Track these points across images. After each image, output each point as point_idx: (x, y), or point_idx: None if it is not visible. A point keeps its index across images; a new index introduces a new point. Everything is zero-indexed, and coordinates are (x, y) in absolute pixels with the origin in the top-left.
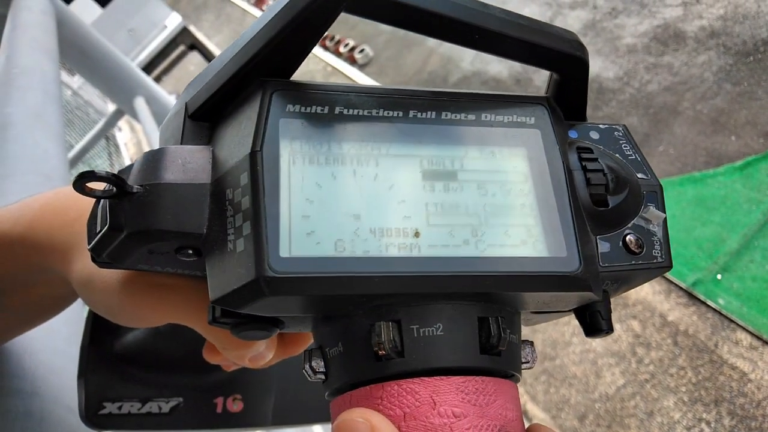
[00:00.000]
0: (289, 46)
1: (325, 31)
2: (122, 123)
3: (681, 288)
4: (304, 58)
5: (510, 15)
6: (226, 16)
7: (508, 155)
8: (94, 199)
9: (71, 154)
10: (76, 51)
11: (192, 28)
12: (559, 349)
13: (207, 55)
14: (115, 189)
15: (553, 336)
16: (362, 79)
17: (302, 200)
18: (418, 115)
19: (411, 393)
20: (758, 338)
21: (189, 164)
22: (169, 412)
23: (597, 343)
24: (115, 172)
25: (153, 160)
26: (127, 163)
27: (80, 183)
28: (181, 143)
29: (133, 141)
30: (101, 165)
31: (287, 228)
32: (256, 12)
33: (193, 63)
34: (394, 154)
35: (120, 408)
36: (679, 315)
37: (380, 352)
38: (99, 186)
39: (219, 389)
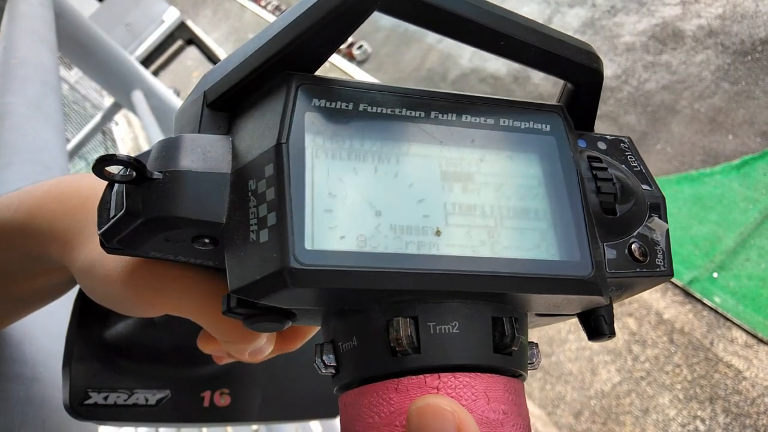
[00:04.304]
0: (317, 43)
1: (355, 29)
2: (119, 118)
3: (677, 286)
4: (331, 55)
5: (534, 24)
6: (225, 11)
7: (524, 160)
8: (97, 187)
9: (68, 147)
10: (74, 43)
11: (190, 23)
12: (555, 346)
13: (205, 51)
14: (134, 174)
15: (549, 333)
16: (360, 75)
17: (325, 194)
18: (440, 116)
19: (468, 387)
20: (753, 336)
21: (209, 153)
22: (156, 404)
23: None
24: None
25: (172, 146)
26: None
27: (100, 166)
28: (199, 132)
29: (129, 136)
30: None
31: (311, 221)
32: (255, 7)
33: (191, 58)
34: (415, 154)
35: (106, 398)
36: (675, 313)
37: (397, 348)
38: (116, 170)
39: (207, 383)
